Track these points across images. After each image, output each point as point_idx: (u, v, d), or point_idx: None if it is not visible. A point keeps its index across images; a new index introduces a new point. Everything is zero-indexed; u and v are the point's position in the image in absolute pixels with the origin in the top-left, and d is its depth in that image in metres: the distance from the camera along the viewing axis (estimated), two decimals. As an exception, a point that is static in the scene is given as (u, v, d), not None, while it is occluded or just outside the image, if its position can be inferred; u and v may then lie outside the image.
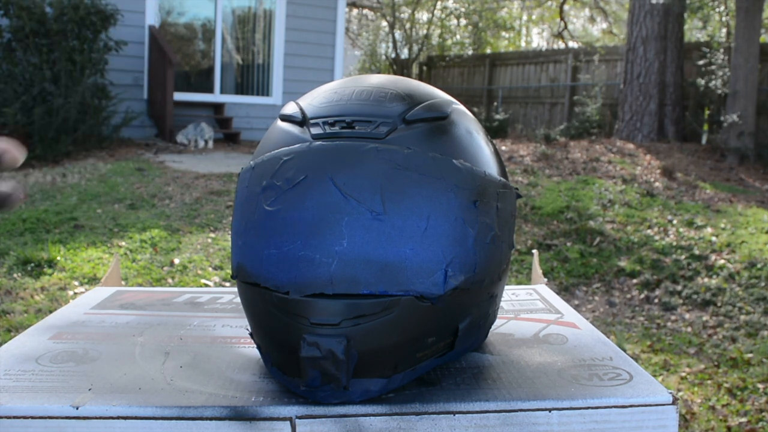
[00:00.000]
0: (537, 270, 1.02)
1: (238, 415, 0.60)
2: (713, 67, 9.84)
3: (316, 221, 0.60)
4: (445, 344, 0.67)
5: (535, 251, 1.05)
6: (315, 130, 0.65)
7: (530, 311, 0.88)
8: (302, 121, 0.67)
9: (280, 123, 0.70)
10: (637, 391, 0.64)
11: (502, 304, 0.90)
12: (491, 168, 0.68)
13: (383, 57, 18.51)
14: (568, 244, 5.60)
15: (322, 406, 0.61)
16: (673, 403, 0.63)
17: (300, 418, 0.60)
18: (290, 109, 0.70)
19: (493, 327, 0.80)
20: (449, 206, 0.62)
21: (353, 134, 0.64)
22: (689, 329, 4.17)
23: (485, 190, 0.66)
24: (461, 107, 0.72)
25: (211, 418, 0.60)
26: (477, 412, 0.61)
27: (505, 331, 0.81)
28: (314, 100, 0.69)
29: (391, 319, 0.60)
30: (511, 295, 0.95)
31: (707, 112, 10.58)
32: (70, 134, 7.54)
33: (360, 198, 0.60)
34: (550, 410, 0.62)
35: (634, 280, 4.99)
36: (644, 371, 0.69)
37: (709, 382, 3.37)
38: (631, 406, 0.63)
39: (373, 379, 0.63)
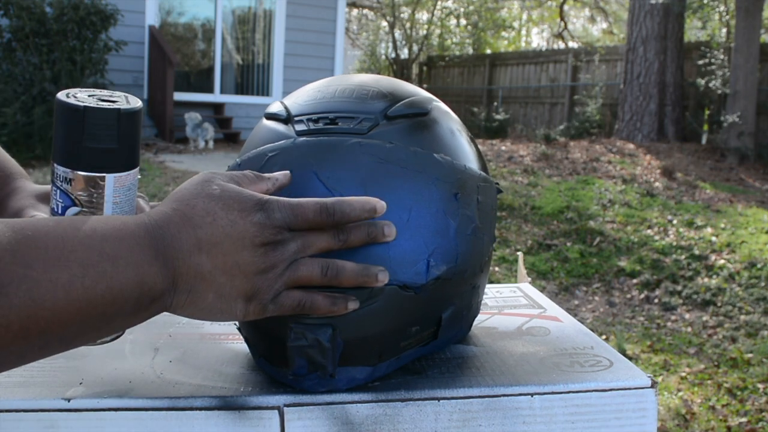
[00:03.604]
0: (522, 271, 1.04)
1: (227, 405, 0.61)
2: (713, 67, 9.85)
3: None
4: (428, 333, 0.69)
5: (520, 253, 1.07)
6: (299, 127, 0.67)
7: (513, 307, 0.90)
8: (287, 118, 0.69)
9: (265, 121, 0.72)
10: (617, 375, 0.66)
11: (486, 300, 0.91)
12: (471, 162, 0.70)
13: (383, 57, 18.54)
14: (568, 244, 5.61)
15: (310, 394, 0.62)
16: (652, 386, 0.64)
17: (288, 406, 0.61)
18: (275, 107, 0.71)
19: (477, 322, 0.81)
20: (431, 198, 0.64)
21: (336, 130, 0.65)
22: (689, 329, 4.18)
23: (465, 183, 0.67)
24: (442, 105, 0.74)
25: (200, 409, 0.61)
26: (461, 398, 0.63)
27: (489, 325, 0.82)
28: (299, 98, 0.71)
29: (376, 308, 0.62)
30: (495, 292, 0.97)
31: (707, 112, 10.59)
32: (70, 134, 7.55)
33: (344, 191, 0.62)
34: (532, 395, 0.63)
35: (634, 280, 5.00)
36: (624, 358, 0.70)
37: (709, 382, 3.38)
38: (611, 389, 0.64)
39: (359, 367, 0.64)
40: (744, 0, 8.96)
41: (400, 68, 16.66)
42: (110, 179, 0.62)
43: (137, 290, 0.49)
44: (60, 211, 0.62)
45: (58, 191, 0.62)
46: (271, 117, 0.71)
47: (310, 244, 0.57)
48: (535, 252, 5.36)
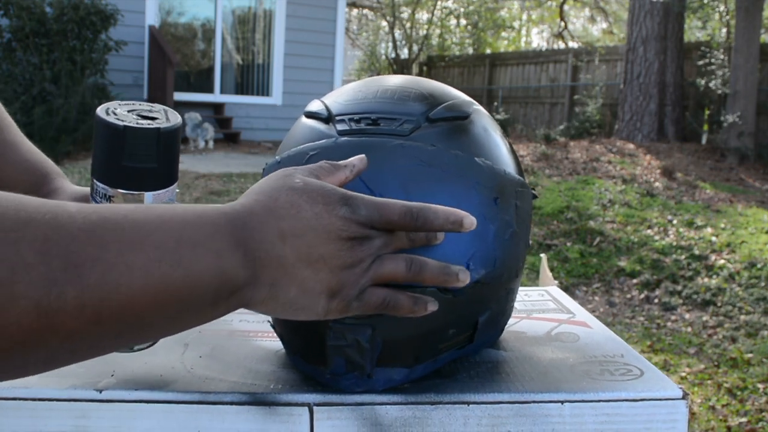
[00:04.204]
0: (546, 273, 1.04)
1: (257, 401, 0.62)
2: (713, 67, 9.85)
3: None
4: (465, 337, 0.69)
5: (543, 255, 1.06)
6: (341, 126, 0.67)
7: (542, 311, 0.90)
8: (328, 117, 0.69)
9: (305, 120, 0.72)
10: (648, 386, 0.66)
11: (515, 304, 0.92)
12: (510, 167, 0.70)
13: (383, 57, 18.53)
14: (568, 244, 5.62)
15: (340, 394, 0.63)
16: (683, 398, 0.64)
17: (318, 405, 0.62)
18: (315, 106, 0.71)
19: (506, 325, 0.82)
20: (471, 203, 0.64)
21: (378, 131, 0.66)
22: (689, 329, 4.19)
23: (505, 188, 0.67)
24: (481, 108, 0.74)
25: (231, 404, 0.61)
26: (491, 403, 0.63)
27: (518, 330, 0.82)
28: (339, 97, 0.71)
29: None
30: (523, 295, 0.96)
31: (707, 112, 10.59)
32: (70, 134, 7.55)
33: (385, 193, 0.62)
34: (562, 402, 0.63)
35: (634, 280, 5.00)
36: (655, 368, 0.70)
37: (709, 382, 3.39)
38: (641, 399, 0.64)
39: (396, 368, 0.64)
40: (744, 0, 8.97)
41: (400, 68, 16.65)
42: (149, 197, 0.62)
43: (217, 280, 0.48)
44: None
45: None
46: (312, 115, 0.71)
47: (391, 242, 0.56)
48: (535, 252, 5.36)
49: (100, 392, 0.62)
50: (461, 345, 0.70)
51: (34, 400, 0.62)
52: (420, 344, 0.65)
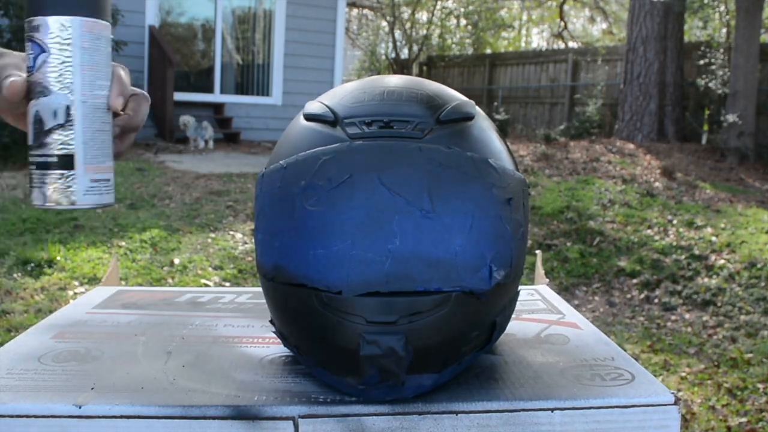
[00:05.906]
0: (540, 270, 1.03)
1: (241, 414, 0.61)
2: (713, 67, 9.84)
3: (366, 220, 0.61)
4: (485, 338, 0.70)
5: (538, 252, 1.05)
6: (352, 130, 0.65)
7: (532, 311, 0.89)
8: (334, 120, 0.67)
9: (305, 122, 0.70)
10: (639, 391, 0.65)
11: None
12: (512, 166, 0.71)
13: (383, 57, 18.52)
14: (568, 244, 5.60)
15: (325, 405, 0.62)
16: (675, 403, 0.63)
17: (303, 417, 0.61)
18: (317, 108, 0.69)
19: None
20: (489, 203, 0.64)
21: (393, 134, 0.65)
22: (689, 329, 4.18)
23: (515, 189, 0.67)
24: (478, 107, 0.74)
25: (214, 418, 0.60)
26: (479, 412, 0.62)
27: (507, 331, 0.81)
28: (342, 99, 0.69)
29: (444, 314, 0.62)
30: None
31: (707, 112, 10.58)
32: (70, 134, 7.53)
33: (408, 196, 0.61)
34: (552, 410, 0.62)
35: (634, 280, 4.99)
36: (646, 371, 0.69)
37: (709, 382, 3.37)
38: (633, 406, 0.63)
39: (425, 374, 0.64)
40: (744, 0, 8.95)
41: (400, 68, 16.63)
42: (77, 22, 0.63)
43: None
44: (31, 62, 0.64)
45: (29, 42, 0.64)
46: (314, 118, 0.69)
47: None
48: (535, 252, 5.35)
49: (80, 407, 0.61)
50: (481, 346, 0.70)
51: (11, 416, 0.60)
52: (447, 349, 0.65)
